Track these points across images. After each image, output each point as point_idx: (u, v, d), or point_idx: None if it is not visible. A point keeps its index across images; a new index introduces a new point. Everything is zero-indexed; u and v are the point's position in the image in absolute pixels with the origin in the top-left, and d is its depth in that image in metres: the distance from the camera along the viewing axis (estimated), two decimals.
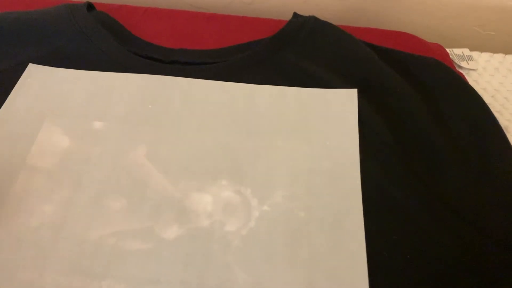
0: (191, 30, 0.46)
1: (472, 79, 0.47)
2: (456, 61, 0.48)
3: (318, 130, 0.37)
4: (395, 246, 0.32)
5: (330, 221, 0.33)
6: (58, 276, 0.30)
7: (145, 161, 0.35)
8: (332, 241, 0.32)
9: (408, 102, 0.39)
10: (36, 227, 0.32)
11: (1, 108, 0.37)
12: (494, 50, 0.52)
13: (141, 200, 0.34)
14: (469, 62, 0.48)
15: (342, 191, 0.34)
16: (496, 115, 0.39)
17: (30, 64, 0.40)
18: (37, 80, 0.40)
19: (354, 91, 0.39)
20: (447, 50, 0.49)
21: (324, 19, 0.45)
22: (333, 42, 0.43)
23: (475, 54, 0.50)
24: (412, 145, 0.37)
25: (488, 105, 0.40)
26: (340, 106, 0.39)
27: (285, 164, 0.36)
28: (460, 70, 0.47)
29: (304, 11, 0.46)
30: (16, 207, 0.33)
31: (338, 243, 0.32)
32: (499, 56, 0.50)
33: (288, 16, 0.46)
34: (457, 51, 0.49)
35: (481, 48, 0.52)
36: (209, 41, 0.45)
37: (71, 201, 0.33)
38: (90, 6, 0.46)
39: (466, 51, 0.50)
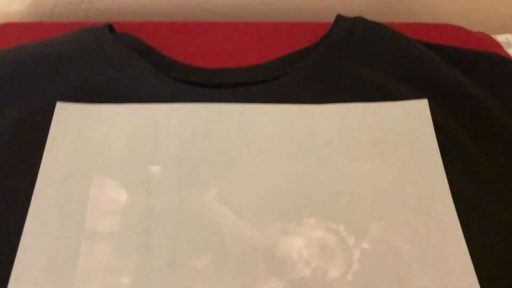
0: (225, 44, 0.42)
1: None
2: (503, 49, 0.46)
3: (395, 150, 0.34)
4: (503, 268, 0.30)
5: (433, 256, 0.30)
6: None
7: (219, 205, 0.31)
8: (440, 281, 0.29)
9: (481, 102, 0.36)
10: None
11: (41, 164, 0.32)
12: None
13: (225, 254, 0.30)
14: None
15: (437, 219, 0.31)
16: None
17: (58, 103, 0.35)
18: (71, 122, 0.34)
19: (425, 102, 0.36)
20: None
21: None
22: (389, 44, 0.39)
23: None
24: (497, 150, 0.34)
25: None
26: (413, 120, 0.35)
27: (367, 193, 0.32)
28: None
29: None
30: (86, 286, 0.28)
31: (447, 284, 0.29)
32: None
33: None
34: (500, 37, 0.47)
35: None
36: (248, 55, 0.41)
37: (144, 268, 0.29)
38: (110, 28, 0.40)
39: (509, 37, 0.47)
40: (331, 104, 0.36)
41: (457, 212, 0.31)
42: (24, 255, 0.29)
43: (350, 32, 0.40)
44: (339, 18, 0.41)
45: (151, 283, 0.28)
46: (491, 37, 0.46)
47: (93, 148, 0.33)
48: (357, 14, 0.42)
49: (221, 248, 0.30)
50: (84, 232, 0.30)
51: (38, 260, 0.29)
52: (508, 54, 0.44)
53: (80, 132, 0.34)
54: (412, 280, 0.29)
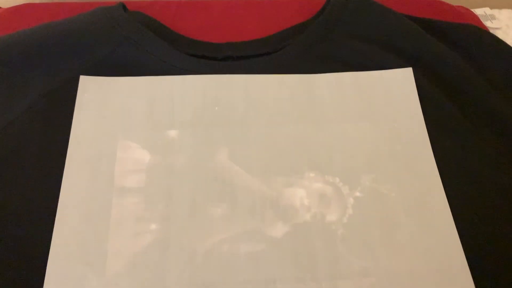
0: (229, 21, 0.45)
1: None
2: (481, 21, 0.50)
3: (383, 113, 0.39)
4: (481, 216, 0.34)
5: (415, 202, 0.35)
6: None
7: (230, 163, 0.36)
8: (422, 222, 0.34)
9: (461, 71, 0.41)
10: (144, 249, 0.32)
11: (71, 132, 0.36)
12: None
13: (238, 203, 0.34)
14: (493, 21, 0.51)
15: (419, 171, 0.36)
16: None
17: (81, 77, 0.39)
18: (95, 94, 0.38)
19: (410, 70, 0.40)
20: None
21: None
22: (379, 18, 0.43)
23: (495, 12, 0.52)
24: (475, 112, 0.39)
25: None
26: (398, 86, 0.40)
27: (359, 150, 0.37)
28: None
29: None
30: (120, 233, 0.33)
31: (428, 224, 0.34)
32: None
33: None
34: (479, 11, 0.51)
35: (497, 4, 0.54)
36: (251, 30, 0.45)
37: (168, 216, 0.34)
38: (123, 7, 0.43)
39: (487, 10, 0.52)
40: (327, 73, 0.40)
41: (438, 165, 0.36)
42: (64, 209, 0.33)
43: (343, 7, 0.44)
44: None
45: (175, 228, 0.33)
46: (470, 11, 0.50)
47: (116, 116, 0.38)
48: None
49: (234, 199, 0.34)
50: (114, 188, 0.34)
51: (76, 213, 0.33)
52: (485, 27, 0.48)
53: (103, 102, 0.38)
54: (397, 221, 0.34)
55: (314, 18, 0.45)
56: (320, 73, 0.40)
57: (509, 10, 0.53)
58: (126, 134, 0.37)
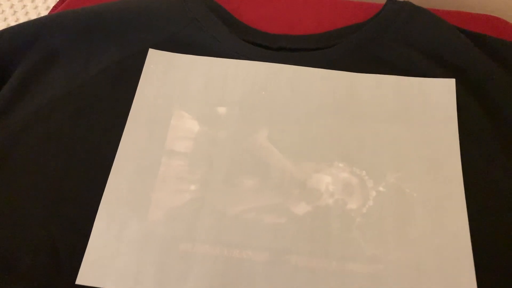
0: (289, 15, 0.49)
1: None
2: None
3: (419, 118, 0.41)
4: (497, 224, 0.36)
5: (434, 205, 0.37)
6: (206, 247, 0.36)
7: (268, 143, 0.40)
8: (437, 223, 0.36)
9: (504, 89, 0.42)
10: (182, 205, 0.37)
11: (135, 96, 0.42)
12: None
13: (268, 179, 0.38)
14: None
15: (444, 176, 0.38)
16: None
17: (150, 50, 0.44)
18: (160, 66, 0.43)
19: (452, 81, 0.42)
20: None
21: None
22: (430, 29, 0.45)
23: None
24: (510, 130, 0.40)
25: None
26: (438, 95, 0.42)
27: (389, 149, 0.39)
28: None
29: None
30: (163, 188, 0.38)
31: (442, 226, 0.36)
32: None
33: None
34: None
35: None
36: (307, 26, 0.48)
37: (207, 181, 0.38)
38: None
39: None
40: (369, 74, 0.43)
41: (464, 176, 0.38)
42: (120, 161, 0.39)
43: (396, 14, 0.46)
44: (390, 0, 0.47)
45: (210, 192, 0.38)
46: None
47: (175, 88, 0.42)
48: None
49: (266, 174, 0.38)
50: (165, 150, 0.39)
51: (129, 166, 0.39)
52: None
53: (165, 74, 0.43)
54: (413, 218, 0.36)
55: (369, 21, 0.47)
56: (365, 72, 0.43)
57: None
58: (181, 105, 0.42)
